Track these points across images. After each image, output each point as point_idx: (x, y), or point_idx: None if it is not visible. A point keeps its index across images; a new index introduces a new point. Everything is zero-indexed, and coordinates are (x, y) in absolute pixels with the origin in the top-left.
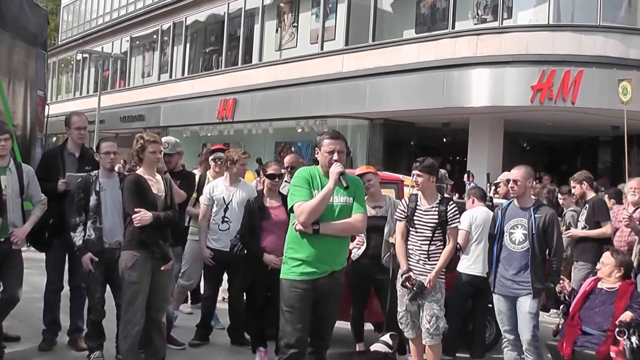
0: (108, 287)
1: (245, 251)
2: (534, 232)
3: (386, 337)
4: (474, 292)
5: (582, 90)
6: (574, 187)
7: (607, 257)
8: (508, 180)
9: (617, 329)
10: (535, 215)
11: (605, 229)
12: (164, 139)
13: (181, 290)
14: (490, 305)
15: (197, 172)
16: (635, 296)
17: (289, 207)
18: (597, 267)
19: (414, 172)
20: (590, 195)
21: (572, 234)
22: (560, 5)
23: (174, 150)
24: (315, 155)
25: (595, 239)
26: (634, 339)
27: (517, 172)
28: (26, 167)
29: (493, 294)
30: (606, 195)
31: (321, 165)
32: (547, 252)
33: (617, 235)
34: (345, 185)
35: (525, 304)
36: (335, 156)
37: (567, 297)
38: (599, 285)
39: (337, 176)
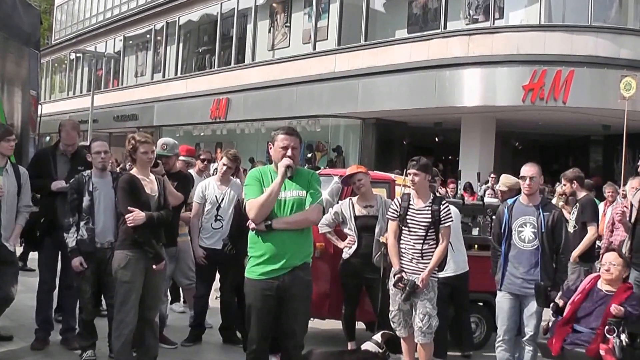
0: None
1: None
2: (543, 230)
3: (377, 336)
4: (452, 292)
5: (573, 90)
6: (565, 185)
7: (616, 258)
8: (523, 178)
9: (606, 327)
10: (544, 214)
11: (590, 234)
12: (162, 140)
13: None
14: (480, 304)
15: (194, 172)
16: (632, 298)
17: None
18: (605, 268)
19: (411, 171)
20: (581, 194)
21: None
22: (552, 5)
23: (172, 152)
24: (269, 150)
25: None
26: (623, 336)
27: (533, 169)
28: (22, 169)
29: (499, 292)
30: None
31: (274, 162)
32: (555, 250)
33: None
34: (289, 175)
35: (535, 302)
36: (289, 152)
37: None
38: (598, 285)
39: (284, 169)
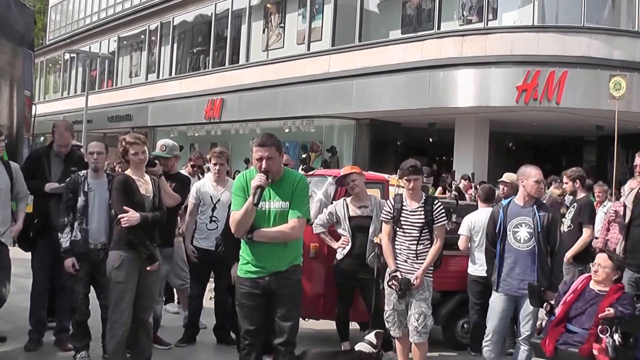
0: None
1: None
2: (539, 230)
3: (370, 336)
4: (484, 290)
5: (567, 90)
6: (566, 183)
7: (605, 260)
8: (537, 181)
9: (599, 327)
10: (540, 214)
11: (585, 235)
12: (161, 142)
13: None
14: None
15: (184, 172)
16: (623, 298)
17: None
18: (593, 269)
19: (411, 177)
20: (581, 195)
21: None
22: (545, 6)
23: (171, 153)
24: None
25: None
26: (616, 336)
27: (540, 172)
28: (13, 164)
29: (494, 292)
30: None
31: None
32: (549, 250)
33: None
34: (254, 202)
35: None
36: (264, 164)
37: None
38: (590, 285)
39: (255, 190)
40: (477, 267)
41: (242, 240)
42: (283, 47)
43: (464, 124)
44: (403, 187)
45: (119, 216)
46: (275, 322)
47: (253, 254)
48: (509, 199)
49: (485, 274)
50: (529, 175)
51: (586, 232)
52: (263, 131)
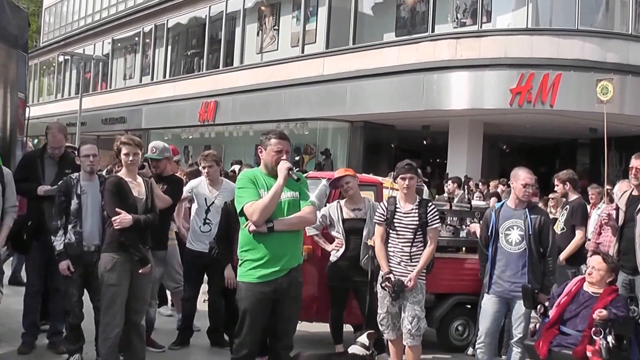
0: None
1: None
2: (530, 232)
3: (363, 338)
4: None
5: (561, 93)
6: (557, 186)
7: (599, 263)
8: (527, 185)
9: (593, 329)
10: (531, 216)
11: (577, 237)
12: (152, 144)
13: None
14: (468, 306)
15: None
16: (617, 300)
17: (238, 210)
18: (587, 271)
19: (407, 175)
20: (573, 197)
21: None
22: (539, 9)
23: (162, 155)
24: (259, 154)
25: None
26: (610, 338)
27: (530, 176)
28: (5, 169)
29: (486, 294)
30: None
31: (264, 165)
32: (542, 253)
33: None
34: (296, 178)
35: (522, 305)
36: (284, 156)
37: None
38: (584, 287)
39: (287, 171)
40: None
41: (249, 240)
42: (277, 49)
43: (458, 127)
44: (397, 190)
45: (112, 218)
46: (280, 325)
47: (269, 248)
48: (502, 202)
49: None
50: (518, 177)
51: (579, 234)
52: (257, 134)
